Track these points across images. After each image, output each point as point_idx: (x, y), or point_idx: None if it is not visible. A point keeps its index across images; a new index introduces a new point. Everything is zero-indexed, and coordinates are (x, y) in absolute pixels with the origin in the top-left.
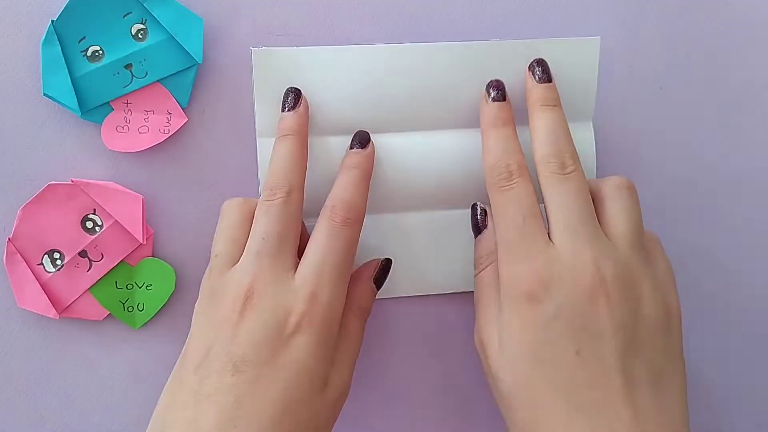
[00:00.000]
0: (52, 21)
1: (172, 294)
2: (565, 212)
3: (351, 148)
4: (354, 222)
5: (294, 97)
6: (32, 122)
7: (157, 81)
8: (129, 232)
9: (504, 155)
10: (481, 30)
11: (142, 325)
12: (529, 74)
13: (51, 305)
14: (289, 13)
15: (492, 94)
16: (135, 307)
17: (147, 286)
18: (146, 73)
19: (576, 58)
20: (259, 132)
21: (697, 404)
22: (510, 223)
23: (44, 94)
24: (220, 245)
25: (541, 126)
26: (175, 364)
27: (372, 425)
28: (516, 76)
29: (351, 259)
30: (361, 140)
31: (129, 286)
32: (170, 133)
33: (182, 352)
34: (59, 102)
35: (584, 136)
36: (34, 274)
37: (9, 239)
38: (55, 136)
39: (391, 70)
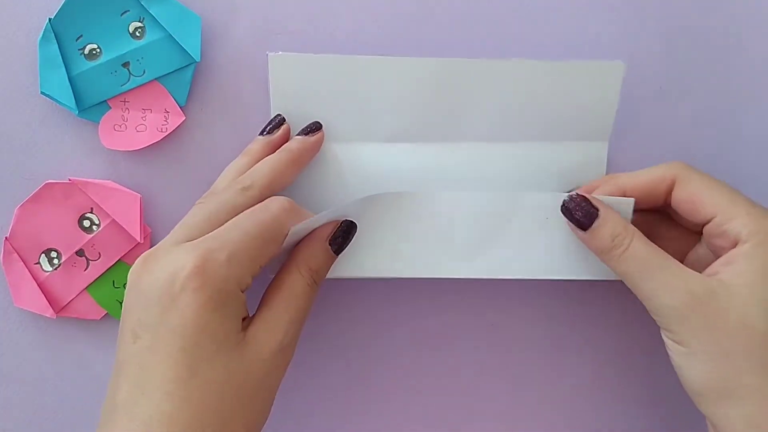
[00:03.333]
0: (50, 19)
1: None
2: None
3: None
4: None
5: (313, 127)
6: (29, 121)
7: (155, 79)
8: (126, 231)
9: None
10: (478, 27)
11: None
12: None
13: (48, 304)
14: (288, 11)
15: None
16: None
17: None
18: (144, 72)
19: (598, 80)
20: None
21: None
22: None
23: (41, 93)
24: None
25: None
26: None
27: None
28: (535, 95)
29: (267, 243)
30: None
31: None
32: (168, 132)
33: None
34: (56, 100)
35: (597, 156)
36: (31, 274)
37: (6, 238)
38: (53, 135)
39: (406, 81)
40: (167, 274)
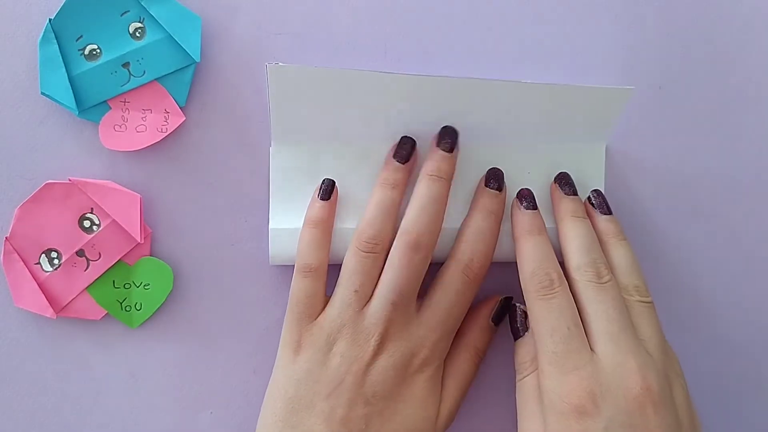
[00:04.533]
0: (50, 19)
1: (169, 293)
2: (605, 321)
3: (487, 184)
4: (483, 277)
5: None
6: (30, 121)
7: (155, 80)
8: (127, 231)
9: (543, 263)
10: (478, 25)
11: (140, 325)
12: (555, 187)
13: (48, 304)
14: (288, 11)
15: (524, 204)
16: (132, 307)
17: (145, 286)
18: (144, 72)
19: (603, 104)
20: (274, 138)
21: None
22: (555, 334)
23: (42, 93)
24: (359, 282)
25: (573, 237)
26: (176, 364)
27: None
28: (542, 118)
29: (469, 306)
30: (498, 180)
31: (126, 286)
32: (168, 132)
33: (300, 371)
34: (57, 101)
35: (596, 158)
36: (31, 274)
37: (6, 238)
38: (53, 135)
39: (406, 97)
40: (406, 359)
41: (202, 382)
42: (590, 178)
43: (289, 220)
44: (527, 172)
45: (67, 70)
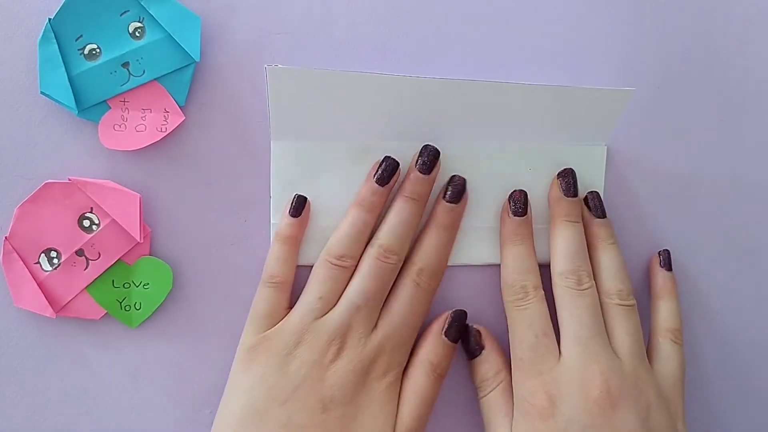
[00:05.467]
0: (50, 19)
1: (169, 293)
2: (577, 326)
3: (444, 196)
4: (435, 287)
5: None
6: (29, 121)
7: (155, 79)
8: (126, 230)
9: (521, 274)
10: (477, 24)
11: (140, 324)
12: (557, 183)
13: (48, 304)
14: (287, 11)
15: (512, 208)
16: (132, 306)
17: (144, 285)
18: (143, 72)
19: (603, 105)
20: (274, 139)
21: (695, 398)
22: (523, 342)
23: (41, 93)
24: (326, 289)
25: (561, 241)
26: (176, 364)
27: None
28: (542, 119)
29: (425, 317)
30: (456, 193)
31: (126, 285)
32: (167, 132)
33: (254, 377)
34: (56, 100)
35: (597, 159)
36: (30, 273)
37: (6, 238)
38: (52, 135)
39: (405, 99)
40: (365, 365)
41: (202, 381)
42: (590, 178)
43: None
44: (528, 170)
45: (66, 70)
